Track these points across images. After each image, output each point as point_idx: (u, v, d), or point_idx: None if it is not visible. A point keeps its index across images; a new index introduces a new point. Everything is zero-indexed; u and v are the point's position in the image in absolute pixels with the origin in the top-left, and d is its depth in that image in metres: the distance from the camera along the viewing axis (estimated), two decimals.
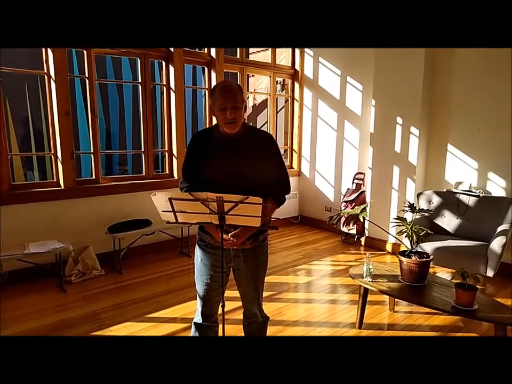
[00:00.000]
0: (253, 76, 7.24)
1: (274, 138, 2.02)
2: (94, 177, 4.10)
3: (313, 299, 3.41)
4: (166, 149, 4.66)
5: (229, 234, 1.73)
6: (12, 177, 3.66)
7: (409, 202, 2.82)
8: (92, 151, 4.10)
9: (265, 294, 2.10)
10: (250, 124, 1.97)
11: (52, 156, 3.85)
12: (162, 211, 1.65)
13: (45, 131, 6.48)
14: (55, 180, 3.87)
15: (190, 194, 1.58)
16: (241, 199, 1.52)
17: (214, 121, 5.38)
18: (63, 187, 3.81)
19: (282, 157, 2.05)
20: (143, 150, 4.47)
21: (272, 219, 1.97)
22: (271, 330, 2.38)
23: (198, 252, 1.97)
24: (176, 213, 1.64)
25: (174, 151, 4.62)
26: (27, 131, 6.72)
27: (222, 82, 1.87)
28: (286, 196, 1.96)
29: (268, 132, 2.16)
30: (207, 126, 4.98)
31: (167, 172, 4.70)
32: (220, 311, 1.80)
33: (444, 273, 3.84)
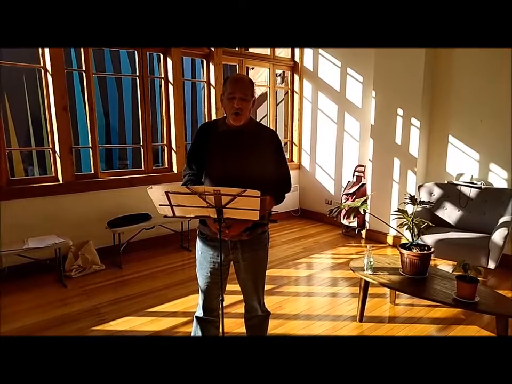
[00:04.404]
0: (252, 68, 7.18)
1: (276, 132, 2.01)
2: (93, 171, 4.08)
3: (314, 292, 3.40)
4: (165, 142, 4.63)
5: (222, 224, 1.72)
6: (10, 172, 3.64)
7: (410, 194, 2.80)
8: (90, 145, 4.07)
9: (265, 287, 2.08)
10: (257, 120, 1.97)
11: (50, 151, 3.83)
12: (159, 205, 1.63)
13: (44, 126, 6.45)
14: (53, 175, 3.85)
15: (186, 187, 1.56)
16: (238, 192, 1.50)
17: (213, 114, 5.31)
18: (61, 182, 3.80)
19: (285, 154, 2.05)
20: (142, 144, 4.44)
21: (273, 212, 1.95)
22: (271, 324, 2.37)
23: (198, 245, 1.97)
24: (174, 207, 1.62)
25: (173, 145, 4.58)
26: (26, 126, 6.70)
27: (235, 74, 1.88)
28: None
29: (272, 128, 2.16)
30: (207, 119, 4.95)
31: (167, 165, 4.67)
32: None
33: (445, 266, 3.83)
